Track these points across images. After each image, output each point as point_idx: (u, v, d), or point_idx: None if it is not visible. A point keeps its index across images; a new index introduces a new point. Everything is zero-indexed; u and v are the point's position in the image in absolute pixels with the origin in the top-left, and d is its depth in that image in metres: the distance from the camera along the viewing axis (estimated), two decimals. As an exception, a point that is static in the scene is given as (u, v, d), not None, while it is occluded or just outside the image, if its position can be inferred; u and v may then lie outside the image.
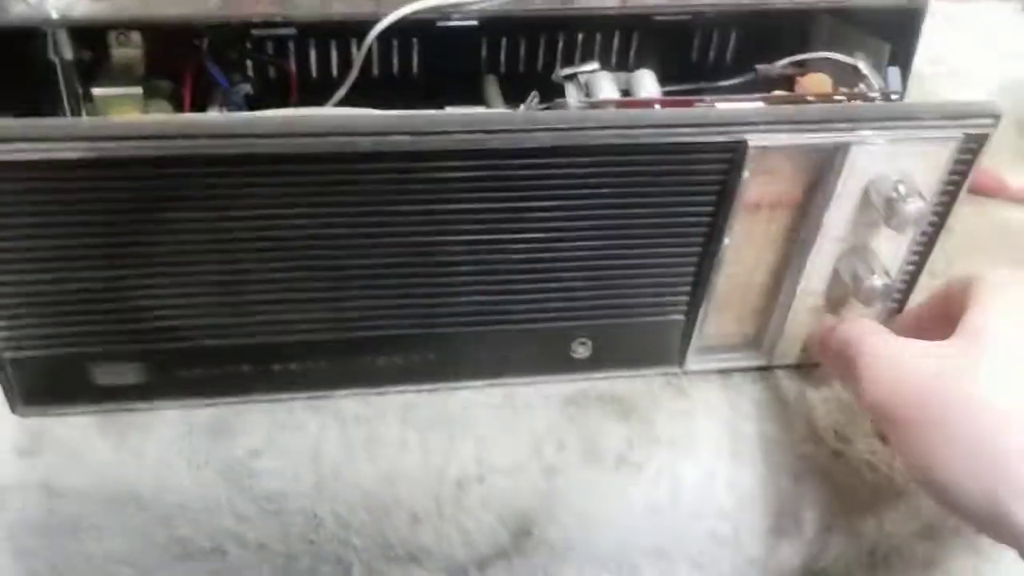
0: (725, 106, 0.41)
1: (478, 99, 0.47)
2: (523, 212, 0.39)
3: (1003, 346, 0.35)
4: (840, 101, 0.43)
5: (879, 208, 0.40)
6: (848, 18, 0.50)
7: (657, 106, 0.41)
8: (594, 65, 0.46)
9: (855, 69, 0.45)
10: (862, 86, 0.44)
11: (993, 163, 0.68)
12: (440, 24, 0.43)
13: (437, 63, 0.49)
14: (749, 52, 0.51)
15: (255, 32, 0.45)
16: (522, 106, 0.43)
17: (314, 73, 0.49)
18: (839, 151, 0.39)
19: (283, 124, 0.35)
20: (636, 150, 0.38)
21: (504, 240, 0.40)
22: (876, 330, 0.40)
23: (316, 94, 0.48)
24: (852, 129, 0.39)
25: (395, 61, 0.49)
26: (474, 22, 0.44)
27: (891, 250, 0.43)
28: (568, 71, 0.46)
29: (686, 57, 0.52)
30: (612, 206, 0.40)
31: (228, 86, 0.45)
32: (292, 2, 0.44)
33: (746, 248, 0.43)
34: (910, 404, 0.35)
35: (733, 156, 0.39)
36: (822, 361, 0.45)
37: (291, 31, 0.45)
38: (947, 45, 0.91)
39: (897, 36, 0.47)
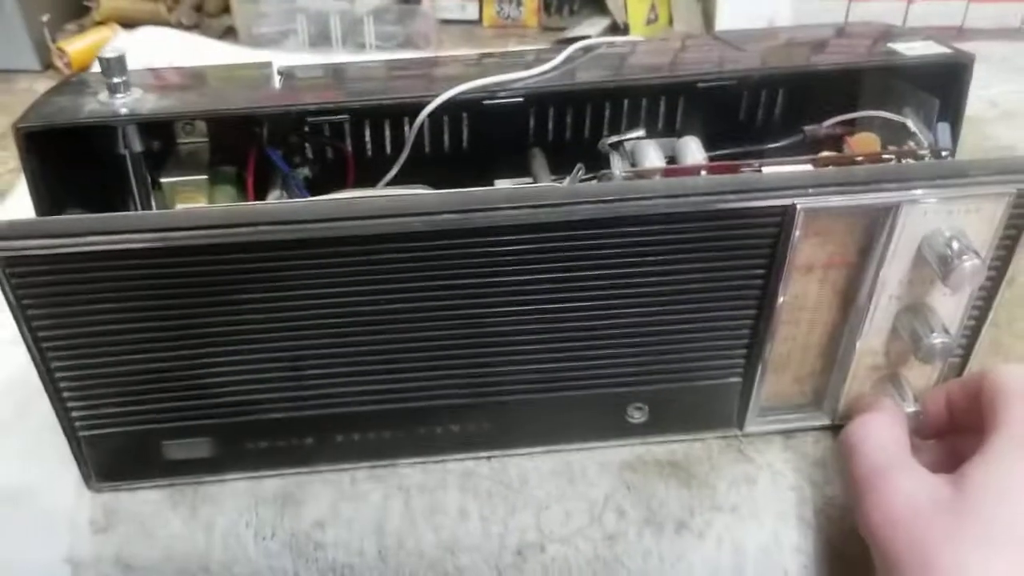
0: (772, 170, 0.42)
1: (526, 171, 0.49)
2: (573, 282, 0.40)
3: (994, 515, 0.35)
4: (889, 160, 0.42)
5: (934, 266, 0.40)
6: (895, 74, 0.50)
7: (703, 172, 0.42)
8: (639, 132, 0.47)
9: (904, 126, 0.45)
10: (911, 143, 0.44)
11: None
12: (487, 103, 0.45)
13: (485, 138, 0.51)
14: (796, 113, 0.51)
15: (311, 120, 0.47)
16: (567, 179, 0.44)
17: (369, 152, 0.51)
18: (890, 211, 0.39)
19: (337, 208, 0.36)
20: (682, 218, 0.39)
21: (555, 310, 0.41)
22: (893, 458, 0.40)
23: (372, 172, 0.50)
24: (902, 188, 0.39)
25: (445, 138, 0.51)
26: (519, 99, 0.45)
27: (950, 307, 0.43)
28: (613, 139, 0.46)
29: (733, 120, 0.52)
30: (662, 272, 0.40)
31: (288, 170, 0.47)
32: (347, 88, 0.47)
33: (801, 309, 0.43)
34: (898, 540, 0.36)
35: (782, 220, 0.39)
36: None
37: (345, 117, 0.47)
38: (1006, 84, 0.91)
39: (945, 90, 0.47)
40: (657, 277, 0.40)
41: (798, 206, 0.39)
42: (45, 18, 1.03)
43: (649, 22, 1.03)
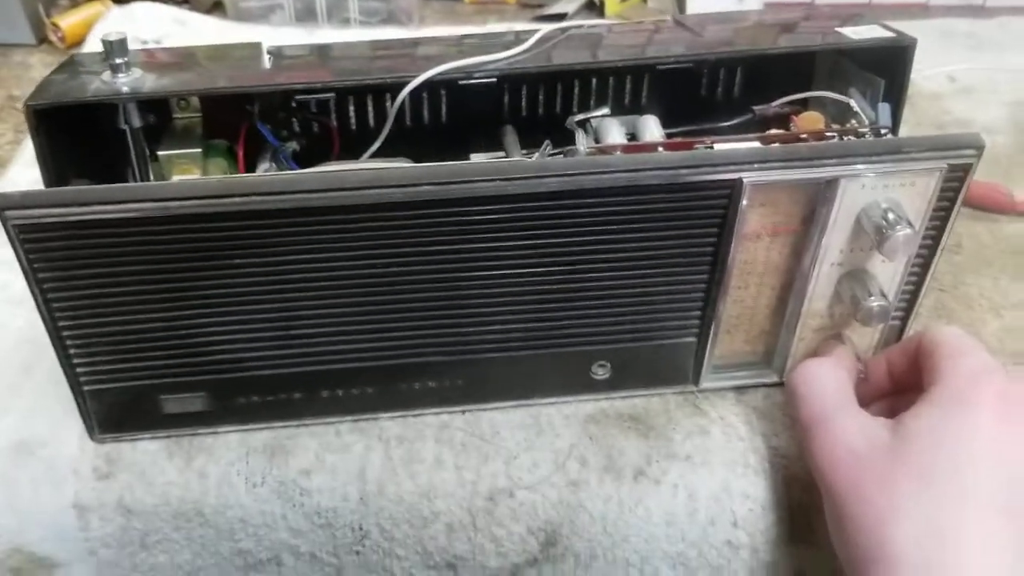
0: (722, 146, 0.45)
1: (500, 146, 0.52)
2: (541, 248, 0.43)
3: (929, 460, 0.38)
4: (831, 138, 0.46)
5: (871, 235, 0.43)
6: (843, 56, 0.53)
7: (660, 149, 0.45)
8: (604, 110, 0.50)
9: (848, 106, 0.48)
10: (854, 122, 0.47)
11: (1005, 179, 0.70)
12: (463, 82, 0.48)
13: (462, 115, 0.54)
14: (750, 92, 0.54)
15: (299, 97, 0.50)
16: (536, 153, 0.47)
17: (353, 126, 0.54)
18: (831, 184, 0.43)
19: (324, 180, 0.40)
20: (640, 190, 0.42)
21: (525, 274, 0.44)
22: (835, 402, 0.43)
23: (356, 144, 0.53)
24: (841, 164, 0.42)
25: (425, 114, 0.54)
26: (493, 79, 0.48)
27: (888, 273, 0.46)
28: (580, 117, 0.50)
29: (692, 99, 0.56)
30: (623, 240, 0.44)
31: (278, 144, 0.50)
32: (332, 67, 0.50)
33: (750, 273, 0.46)
34: (838, 481, 0.40)
35: (731, 192, 0.42)
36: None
37: (331, 95, 0.50)
38: (966, 63, 0.94)
39: (890, 71, 0.50)
40: (618, 244, 0.44)
41: (745, 180, 0.42)
42: (39, -8, 1.05)
43: (623, 0, 1.06)
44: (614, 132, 0.48)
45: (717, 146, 0.45)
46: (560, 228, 0.43)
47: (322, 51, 0.54)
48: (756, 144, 0.45)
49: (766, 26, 0.57)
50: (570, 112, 0.51)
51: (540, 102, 0.55)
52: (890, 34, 0.49)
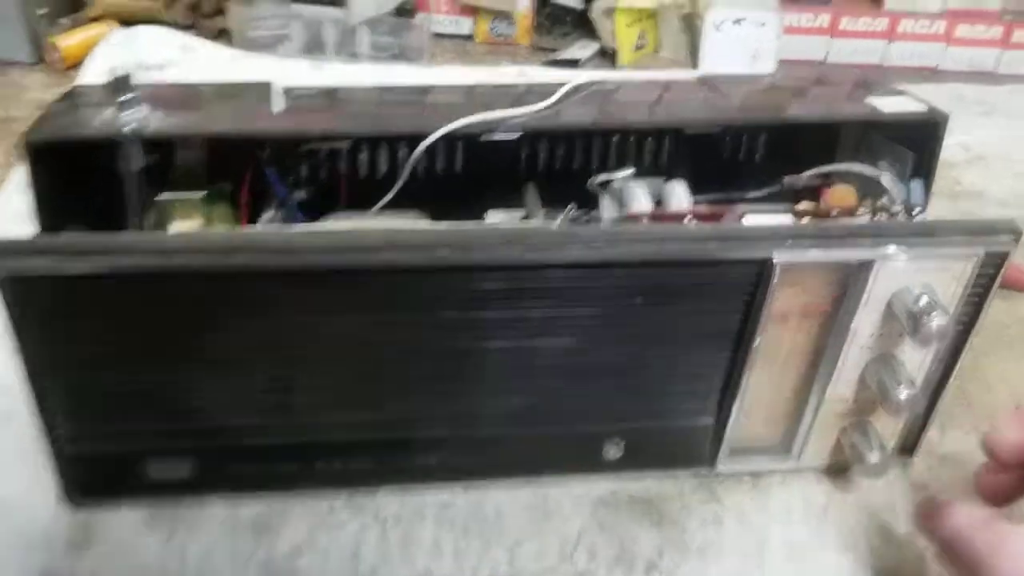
0: (753, 219, 0.43)
1: (519, 202, 0.50)
2: (558, 320, 0.41)
3: None
4: (864, 214, 0.44)
5: (903, 321, 0.41)
6: (873, 128, 0.51)
7: (688, 218, 0.43)
8: (628, 171, 0.48)
9: (877, 181, 0.46)
10: (885, 199, 0.45)
11: (1020, 256, 0.68)
12: (483, 138, 0.46)
13: (479, 169, 0.52)
14: (778, 158, 0.52)
15: (311, 146, 0.48)
16: (559, 217, 0.45)
17: (363, 173, 0.52)
18: (863, 266, 0.40)
19: (334, 240, 0.37)
20: (666, 264, 0.40)
21: (538, 346, 0.41)
22: (987, 524, 0.38)
23: (366, 193, 0.50)
24: (875, 246, 0.40)
25: (439, 166, 0.52)
26: (516, 136, 0.46)
27: (916, 359, 0.44)
28: (603, 178, 0.48)
29: (715, 162, 0.54)
30: (643, 314, 0.41)
31: (285, 194, 0.48)
32: (345, 114, 0.47)
33: (774, 355, 0.44)
34: None
35: (761, 270, 0.40)
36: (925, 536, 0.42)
37: (345, 144, 0.48)
38: (979, 129, 0.93)
39: (919, 144, 0.49)
40: (638, 318, 0.41)
41: (776, 259, 0.40)
42: (42, 11, 1.03)
43: (638, 48, 1.05)
44: (640, 197, 0.45)
45: (747, 218, 0.43)
46: (578, 299, 0.40)
47: (332, 95, 0.52)
48: (787, 217, 0.43)
49: (788, 90, 0.56)
50: (592, 170, 0.49)
51: (559, 159, 0.52)
52: (921, 107, 0.48)
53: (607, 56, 1.07)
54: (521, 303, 0.40)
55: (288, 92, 0.50)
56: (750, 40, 0.91)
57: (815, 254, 0.40)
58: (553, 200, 0.49)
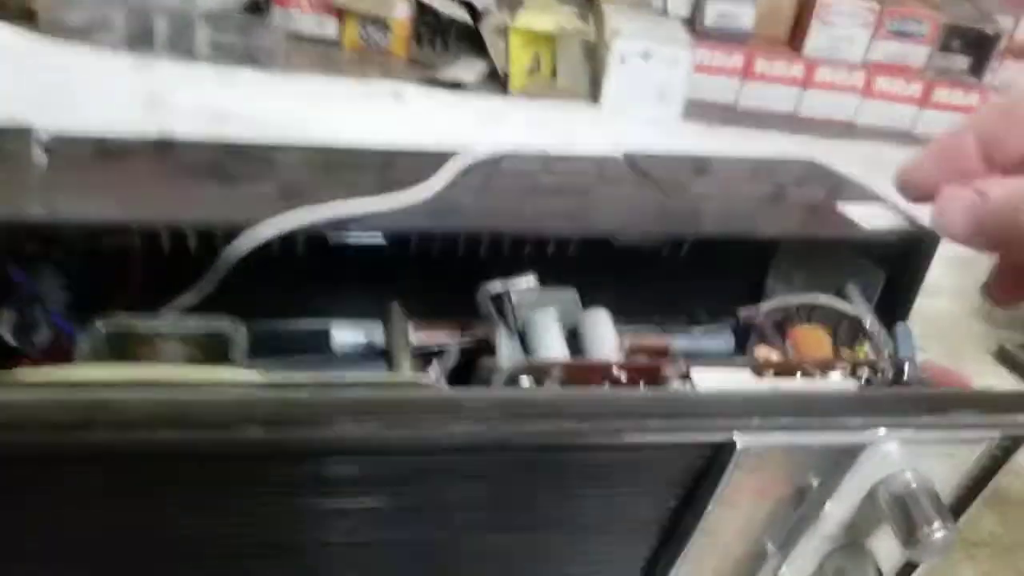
0: (704, 376, 0.31)
1: (377, 311, 0.36)
2: (439, 508, 0.29)
3: None
4: (842, 368, 0.33)
5: (892, 523, 0.32)
6: (845, 245, 0.41)
7: (615, 370, 0.31)
8: (529, 281, 0.36)
9: (857, 322, 0.36)
10: (868, 348, 0.35)
11: (954, 357, 0.61)
12: (334, 241, 0.32)
13: (324, 270, 0.37)
14: (722, 275, 0.41)
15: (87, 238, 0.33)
16: (435, 364, 0.32)
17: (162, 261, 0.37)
18: (848, 451, 0.31)
19: (77, 409, 0.23)
20: (587, 448, 0.28)
21: (391, 539, 0.29)
22: None
23: (162, 289, 0.36)
24: (866, 427, 0.30)
25: (268, 265, 0.37)
26: (379, 240, 0.33)
27: (890, 549, 0.35)
28: (497, 289, 0.35)
29: (648, 278, 0.41)
30: (550, 503, 0.31)
31: (35, 289, 0.33)
32: (138, 189, 0.33)
33: (714, 543, 0.34)
34: None
35: (715, 455, 0.30)
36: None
37: (132, 241, 0.32)
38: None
39: (896, 265, 0.39)
40: (544, 508, 0.31)
41: (739, 443, 0.29)
42: None
43: (531, 71, 0.93)
44: (550, 332, 0.33)
45: (696, 375, 0.31)
46: (463, 486, 0.29)
47: (122, 152, 0.37)
48: (746, 374, 0.32)
49: (735, 187, 0.45)
50: (481, 273, 0.36)
51: (438, 262, 0.38)
52: (905, 224, 0.38)
53: (497, 79, 0.95)
54: (387, 487, 0.28)
55: (56, 143, 0.34)
56: (658, 77, 0.81)
57: (788, 437, 0.30)
58: (426, 310, 0.36)
